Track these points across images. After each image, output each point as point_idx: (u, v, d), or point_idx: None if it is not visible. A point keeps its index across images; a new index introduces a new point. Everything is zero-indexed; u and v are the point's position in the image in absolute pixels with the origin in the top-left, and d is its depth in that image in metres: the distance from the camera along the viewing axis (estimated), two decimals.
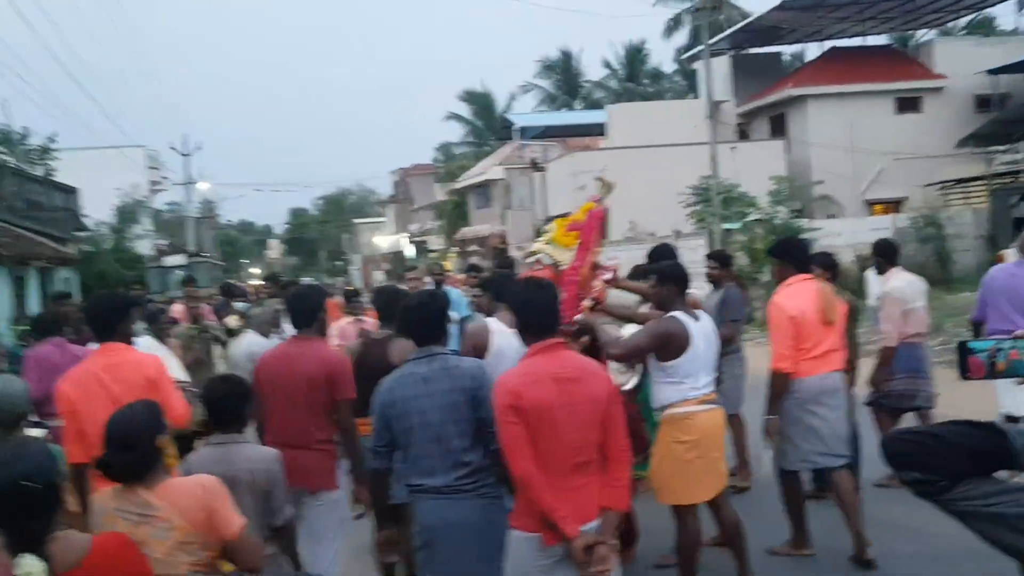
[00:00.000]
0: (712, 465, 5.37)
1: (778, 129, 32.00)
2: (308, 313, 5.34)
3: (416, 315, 4.24)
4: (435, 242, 51.96)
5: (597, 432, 3.70)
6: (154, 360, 4.99)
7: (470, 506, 4.00)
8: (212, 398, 4.10)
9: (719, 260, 8.46)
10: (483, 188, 46.53)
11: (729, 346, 7.30)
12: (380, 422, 4.10)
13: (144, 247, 34.18)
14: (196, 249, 38.93)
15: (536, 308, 3.86)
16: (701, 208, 23.70)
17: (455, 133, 60.29)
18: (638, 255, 25.81)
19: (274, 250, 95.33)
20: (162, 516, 3.14)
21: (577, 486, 3.65)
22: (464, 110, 57.61)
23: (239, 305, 11.72)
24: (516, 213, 38.89)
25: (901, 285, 7.52)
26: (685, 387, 5.27)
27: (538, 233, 30.65)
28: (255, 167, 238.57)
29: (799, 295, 6.06)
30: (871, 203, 29.91)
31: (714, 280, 8.13)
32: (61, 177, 27.98)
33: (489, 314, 5.86)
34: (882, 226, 22.90)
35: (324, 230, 78.43)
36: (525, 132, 40.27)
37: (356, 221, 74.32)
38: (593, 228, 6.04)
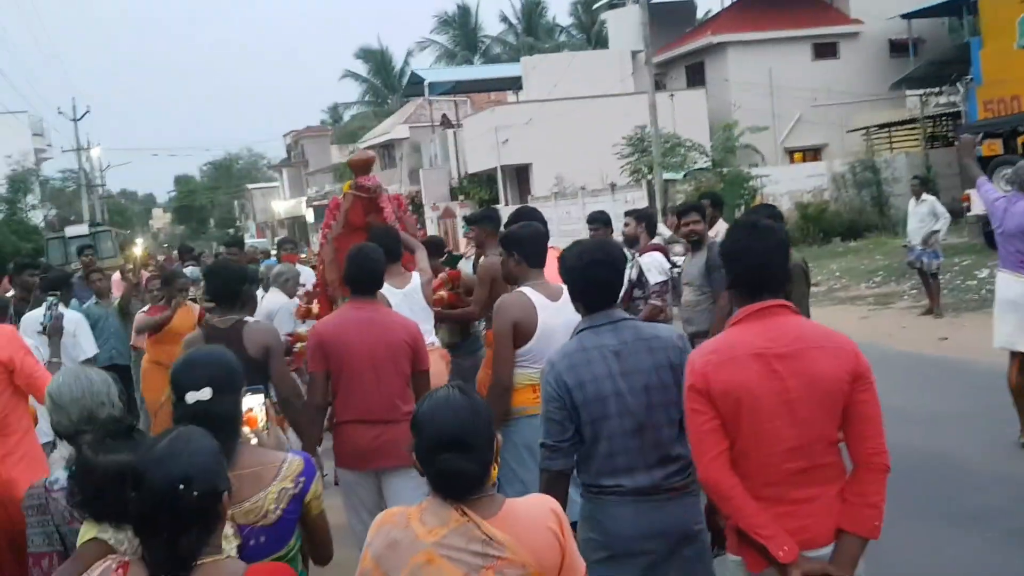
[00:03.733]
0: None
1: (695, 78, 31.91)
2: (373, 277, 4.74)
3: (592, 272, 3.37)
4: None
5: (830, 427, 2.82)
6: None
7: (679, 510, 3.24)
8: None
9: (714, 203, 7.78)
10: (387, 147, 45.54)
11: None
12: (559, 411, 3.22)
13: (36, 217, 32.03)
14: (90, 219, 36.69)
15: (751, 259, 2.93)
16: (636, 159, 23.33)
17: (352, 93, 58.78)
18: (564, 212, 25.55)
19: (159, 219, 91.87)
20: (511, 558, 2.22)
21: (798, 499, 2.82)
22: (361, 68, 56.22)
23: (189, 270, 10.77)
24: (429, 172, 38.08)
25: None
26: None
27: (454, 192, 30.14)
28: (141, 133, 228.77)
29: None
30: (790, 151, 30.20)
31: (696, 237, 6.59)
32: None
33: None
34: (818, 172, 23.03)
35: (214, 197, 75.79)
36: (433, 88, 39.22)
37: (249, 187, 72.11)
38: (328, 223, 6.18)
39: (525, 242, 4.52)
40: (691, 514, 3.25)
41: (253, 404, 2.96)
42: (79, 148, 39.95)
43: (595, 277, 3.35)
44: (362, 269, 4.67)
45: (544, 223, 5.15)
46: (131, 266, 9.75)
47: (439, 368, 5.49)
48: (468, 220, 6.92)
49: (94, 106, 76.89)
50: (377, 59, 55.71)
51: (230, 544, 2.40)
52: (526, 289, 4.41)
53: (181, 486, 1.98)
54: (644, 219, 7.38)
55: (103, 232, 30.01)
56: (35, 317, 5.87)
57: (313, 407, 4.56)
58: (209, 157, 78.34)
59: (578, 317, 3.50)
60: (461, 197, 33.59)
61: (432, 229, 34.75)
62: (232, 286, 4.82)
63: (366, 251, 4.77)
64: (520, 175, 32.17)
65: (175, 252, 11.26)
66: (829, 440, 2.83)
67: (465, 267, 7.56)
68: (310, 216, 53.55)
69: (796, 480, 2.80)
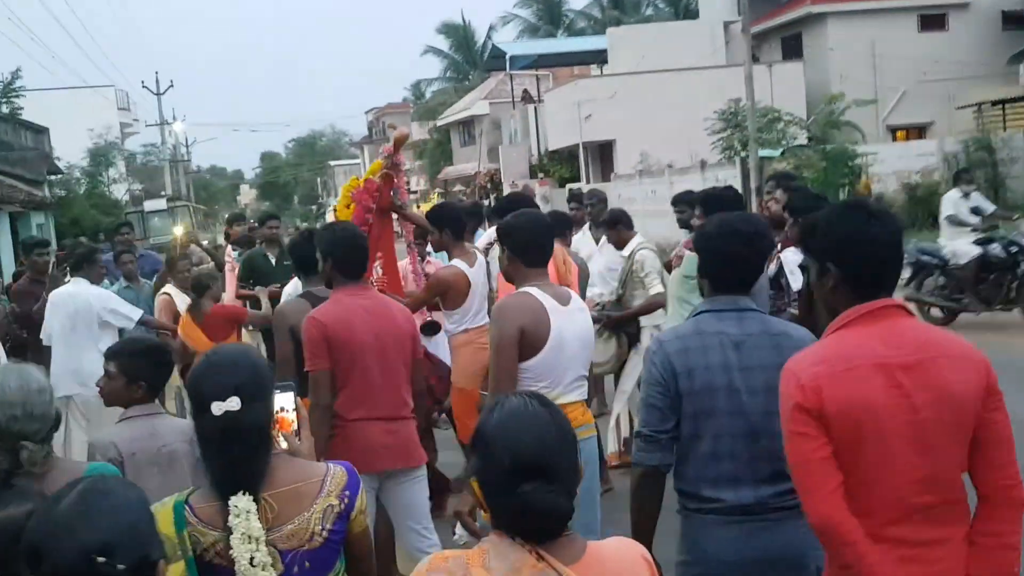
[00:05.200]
0: None
1: (792, 51, 30.37)
2: (363, 259, 4.43)
3: (730, 244, 2.93)
4: (416, 183, 50.61)
5: (961, 453, 2.34)
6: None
7: (794, 535, 2.73)
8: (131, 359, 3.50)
9: (784, 186, 6.12)
10: (467, 124, 45.02)
11: None
12: (662, 398, 2.83)
13: (119, 191, 32.16)
14: (173, 194, 36.83)
15: (871, 249, 2.42)
16: (728, 135, 22.03)
17: (433, 69, 58.38)
18: (649, 191, 24.43)
19: (246, 195, 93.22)
20: None
21: (928, 541, 2.33)
22: (443, 44, 55.59)
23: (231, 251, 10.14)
24: (508, 149, 37.37)
25: None
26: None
27: (534, 169, 29.26)
28: (227, 108, 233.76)
29: None
30: (893, 129, 28.45)
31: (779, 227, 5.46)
32: (28, 117, 25.90)
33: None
34: (927, 151, 21.41)
35: (297, 173, 76.73)
36: (515, 62, 38.26)
37: (331, 163, 72.65)
38: (363, 201, 5.67)
39: (518, 234, 3.83)
40: (808, 540, 2.61)
41: (284, 404, 2.53)
42: (162, 122, 40.14)
43: (732, 251, 2.93)
44: (354, 250, 4.26)
45: (538, 211, 4.55)
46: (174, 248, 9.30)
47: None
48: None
49: (178, 81, 78.23)
50: (459, 34, 55.11)
51: (269, 575, 2.18)
52: (532, 289, 3.72)
53: (100, 558, 1.58)
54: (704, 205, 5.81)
55: (181, 207, 30.01)
56: None
57: (322, 407, 4.04)
58: (291, 133, 79.34)
59: (590, 324, 3.52)
60: (541, 175, 32.72)
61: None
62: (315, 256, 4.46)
63: (352, 231, 4.42)
64: (603, 152, 31.14)
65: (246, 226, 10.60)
66: (960, 469, 2.36)
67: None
68: None
69: (925, 518, 2.33)
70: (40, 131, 26.24)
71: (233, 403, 2.21)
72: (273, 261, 8.33)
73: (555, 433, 1.91)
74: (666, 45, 29.49)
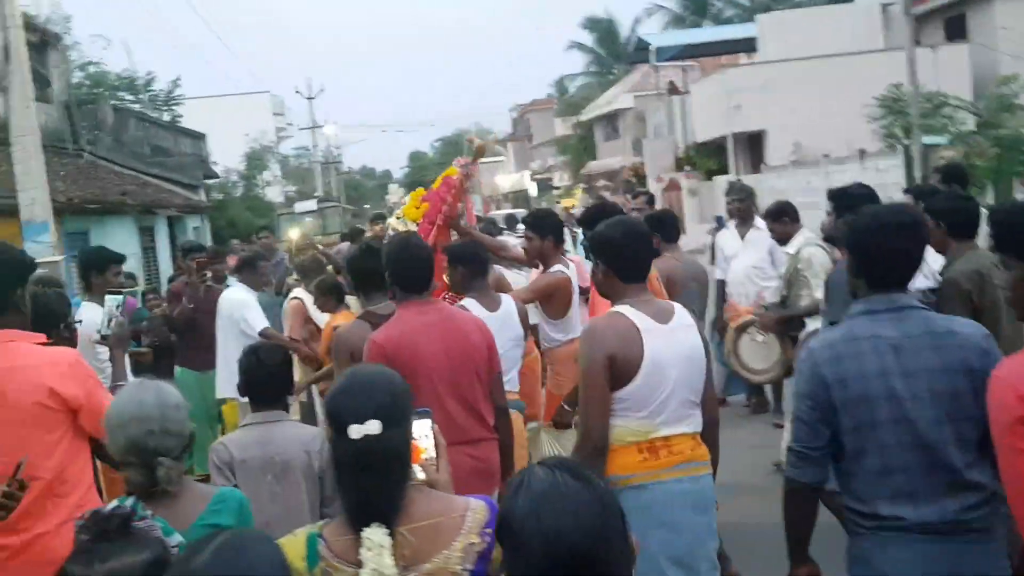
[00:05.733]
0: None
1: (955, 32, 28.48)
2: (427, 273, 4.14)
3: (885, 237, 2.72)
4: (559, 179, 50.55)
5: None
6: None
7: (981, 559, 2.58)
8: (251, 371, 3.52)
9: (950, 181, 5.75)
10: (611, 118, 44.59)
11: None
12: (811, 411, 2.69)
13: (273, 194, 33.23)
14: (325, 194, 37.84)
15: None
16: (890, 122, 20.74)
17: (577, 64, 58.12)
18: (804, 182, 23.30)
19: (395, 194, 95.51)
20: None
21: None
22: (586, 39, 55.21)
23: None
24: (653, 142, 36.68)
25: None
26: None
27: (680, 162, 28.44)
28: (375, 109, 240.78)
29: None
30: None
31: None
32: (187, 124, 27.00)
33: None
34: None
35: (442, 171, 77.96)
36: (661, 53, 37.42)
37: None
38: (443, 198, 5.55)
39: (614, 246, 3.43)
40: (996, 566, 2.59)
41: (420, 431, 2.36)
42: (313, 126, 41.32)
43: (887, 244, 2.72)
44: (415, 264, 4.02)
45: (636, 220, 4.09)
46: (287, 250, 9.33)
47: (518, 427, 4.61)
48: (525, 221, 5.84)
49: (327, 85, 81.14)
50: (603, 28, 54.58)
51: None
52: (624, 309, 3.33)
53: None
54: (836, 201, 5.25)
55: (331, 208, 30.72)
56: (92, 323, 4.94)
57: None
58: (435, 132, 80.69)
59: (698, 343, 3.28)
60: (687, 168, 31.89)
61: (658, 204, 33.39)
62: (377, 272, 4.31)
63: (414, 243, 4.20)
64: (752, 143, 30.06)
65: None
66: None
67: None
68: (533, 190, 53.55)
69: None
70: (198, 137, 27.27)
71: (373, 426, 2.09)
72: None
73: (597, 513, 1.65)
74: (819, 30, 28.18)
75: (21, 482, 2.84)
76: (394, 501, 2.10)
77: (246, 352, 3.68)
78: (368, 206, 62.51)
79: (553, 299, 5.33)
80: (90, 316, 5.06)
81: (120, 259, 6.14)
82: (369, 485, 2.07)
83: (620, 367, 3.23)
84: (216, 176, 28.72)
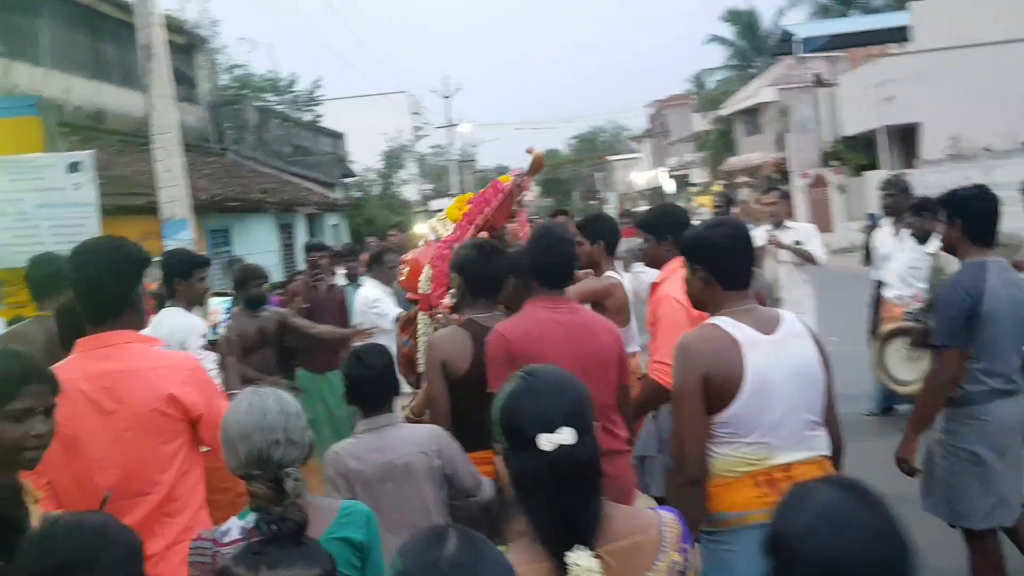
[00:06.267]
0: None
1: None
2: (568, 265, 3.89)
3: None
4: (697, 175, 49.64)
5: None
6: None
7: None
8: (355, 376, 3.40)
9: None
10: (752, 113, 43.36)
11: None
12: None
13: (410, 192, 33.64)
14: (459, 192, 38.14)
15: None
16: None
17: (715, 58, 56.95)
18: (962, 177, 22.03)
19: (529, 192, 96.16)
20: None
21: None
22: (726, 32, 53.94)
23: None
24: (797, 136, 35.39)
25: None
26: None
27: (826, 157, 27.28)
28: (509, 107, 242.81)
29: None
30: None
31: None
32: (326, 124, 27.54)
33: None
34: None
35: (577, 169, 77.91)
36: (806, 44, 36.07)
37: (610, 159, 72.98)
38: (488, 201, 5.20)
39: (716, 250, 3.05)
40: None
41: None
42: (449, 124, 41.72)
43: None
44: (554, 254, 3.72)
45: (738, 222, 3.43)
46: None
47: None
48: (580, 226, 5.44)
49: (464, 85, 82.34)
50: (744, 20, 53.19)
51: None
52: (721, 321, 2.94)
53: None
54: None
55: None
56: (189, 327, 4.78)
57: None
58: (571, 130, 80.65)
59: (813, 354, 2.90)
60: (834, 163, 30.56)
61: (800, 201, 32.22)
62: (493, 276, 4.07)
63: (557, 233, 3.85)
64: (905, 136, 28.56)
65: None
66: None
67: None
68: (670, 186, 52.73)
69: None
70: (337, 136, 27.80)
71: (566, 435, 1.87)
72: None
73: (888, 543, 1.48)
74: (978, 16, 26.50)
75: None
76: (595, 519, 1.90)
77: (348, 358, 3.52)
78: None
79: (606, 309, 4.89)
80: (176, 323, 4.87)
81: (205, 263, 5.48)
82: (569, 503, 1.86)
83: (717, 387, 2.84)
84: (354, 175, 29.24)
